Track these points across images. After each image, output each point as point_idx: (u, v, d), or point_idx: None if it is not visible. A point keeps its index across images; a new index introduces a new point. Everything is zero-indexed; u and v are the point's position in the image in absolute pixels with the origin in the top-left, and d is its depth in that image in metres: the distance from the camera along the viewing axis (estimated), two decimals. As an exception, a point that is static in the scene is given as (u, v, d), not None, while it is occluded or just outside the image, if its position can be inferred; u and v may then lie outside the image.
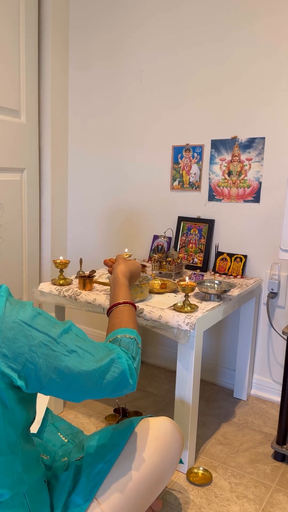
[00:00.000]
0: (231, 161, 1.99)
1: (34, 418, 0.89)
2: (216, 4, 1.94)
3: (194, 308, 1.46)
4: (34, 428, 1.24)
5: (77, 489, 0.96)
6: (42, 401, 1.35)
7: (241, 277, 1.95)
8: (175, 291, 1.70)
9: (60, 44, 2.40)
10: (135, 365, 0.94)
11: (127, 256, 1.66)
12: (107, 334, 1.04)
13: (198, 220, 2.11)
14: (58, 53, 2.39)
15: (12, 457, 0.82)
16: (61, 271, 1.74)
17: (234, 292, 1.69)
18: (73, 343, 0.83)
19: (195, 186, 2.11)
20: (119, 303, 1.10)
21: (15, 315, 0.76)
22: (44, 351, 0.78)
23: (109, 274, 1.35)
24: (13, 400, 0.78)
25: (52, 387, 0.81)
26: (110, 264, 1.35)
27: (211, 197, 2.07)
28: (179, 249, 2.14)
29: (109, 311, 1.12)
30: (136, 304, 1.13)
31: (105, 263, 1.37)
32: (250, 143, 1.93)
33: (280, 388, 2.00)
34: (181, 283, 1.47)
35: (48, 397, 1.54)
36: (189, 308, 1.45)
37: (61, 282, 1.72)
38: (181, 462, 1.39)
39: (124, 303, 1.10)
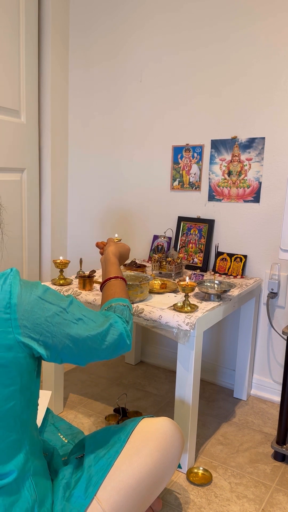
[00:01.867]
0: (231, 161, 1.99)
1: (37, 404, 0.96)
2: (216, 5, 1.94)
3: (194, 308, 1.46)
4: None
5: (79, 485, 0.97)
6: (42, 401, 1.35)
7: (241, 277, 1.95)
8: (175, 291, 1.70)
9: (60, 44, 2.40)
10: (129, 328, 1.05)
11: (117, 240, 1.71)
12: (101, 304, 1.15)
13: (198, 220, 2.11)
14: (58, 53, 2.39)
15: (22, 436, 0.88)
16: (61, 271, 1.74)
17: (234, 292, 1.69)
18: (79, 312, 0.94)
19: (195, 186, 2.11)
20: (111, 278, 1.23)
21: (29, 291, 0.86)
22: (58, 320, 0.88)
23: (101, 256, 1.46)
24: (29, 371, 0.86)
25: (66, 352, 0.91)
26: (101, 246, 1.45)
27: (211, 197, 2.07)
28: (179, 249, 2.14)
29: (102, 286, 1.24)
30: (130, 300, 1.27)
31: (97, 245, 1.47)
32: (250, 143, 1.93)
33: (280, 388, 2.00)
34: (181, 283, 1.47)
35: (48, 397, 1.54)
36: (189, 308, 1.45)
37: (61, 282, 1.72)
38: (179, 467, 1.40)
39: (115, 277, 1.23)
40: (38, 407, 1.30)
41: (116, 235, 1.92)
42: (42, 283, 0.92)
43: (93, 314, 0.98)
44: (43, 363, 1.76)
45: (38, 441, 0.96)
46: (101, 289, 1.24)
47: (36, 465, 0.92)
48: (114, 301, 1.11)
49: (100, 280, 1.80)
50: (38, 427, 1.26)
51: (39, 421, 1.28)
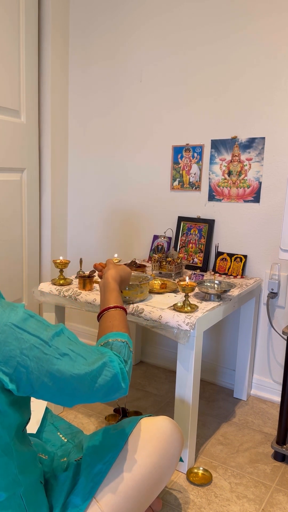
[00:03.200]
0: (231, 161, 1.99)
1: (28, 419, 0.88)
2: (215, 5, 1.94)
3: (194, 308, 1.46)
4: (33, 428, 1.24)
5: (76, 489, 0.96)
6: (42, 401, 1.35)
7: (241, 277, 1.95)
8: (175, 291, 1.70)
9: (60, 44, 2.40)
10: (127, 369, 0.93)
11: (116, 261, 1.65)
12: (98, 338, 1.03)
13: (198, 220, 2.11)
14: (58, 53, 2.39)
15: (6, 459, 0.82)
16: (61, 271, 1.74)
17: (234, 292, 1.69)
18: (65, 346, 0.83)
19: (195, 186, 2.11)
20: (110, 307, 1.10)
21: (6, 318, 0.76)
22: (36, 354, 0.77)
23: (98, 278, 1.33)
24: (5, 402, 0.78)
25: (44, 391, 0.80)
26: (100, 269, 1.34)
27: (211, 197, 2.07)
28: (179, 249, 2.14)
29: (99, 316, 1.11)
30: (126, 308, 1.14)
31: (95, 267, 1.36)
32: (250, 143, 1.93)
33: (280, 388, 2.00)
34: (181, 283, 1.47)
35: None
36: (189, 308, 1.45)
37: (61, 282, 1.72)
38: (181, 460, 1.39)
39: (115, 307, 1.10)
40: (38, 406, 1.30)
41: (116, 255, 1.89)
42: (26, 307, 0.78)
43: (84, 349, 0.87)
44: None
45: (29, 453, 0.90)
46: (98, 319, 1.11)
47: (28, 480, 0.87)
48: (112, 336, 0.99)
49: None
50: (37, 427, 1.26)
51: (38, 421, 1.27)
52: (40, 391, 0.80)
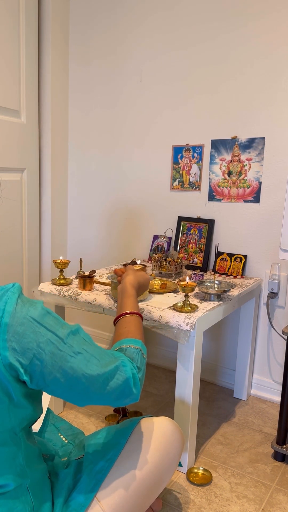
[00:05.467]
0: (231, 161, 1.99)
1: (39, 417, 0.90)
2: (215, 3, 1.94)
3: (194, 308, 1.46)
4: (35, 428, 1.24)
5: (78, 487, 0.96)
6: (43, 401, 1.35)
7: (241, 277, 1.95)
8: (175, 291, 1.70)
9: (60, 43, 2.40)
10: (140, 375, 0.93)
11: (138, 268, 1.63)
12: (112, 343, 1.03)
13: (198, 220, 2.11)
14: (58, 53, 2.39)
15: (15, 449, 0.84)
16: (61, 271, 1.74)
17: (234, 292, 1.69)
18: (79, 346, 0.84)
19: (195, 186, 2.11)
20: (126, 313, 1.10)
21: (25, 312, 0.79)
22: (51, 349, 0.79)
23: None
24: (20, 393, 0.80)
25: (56, 386, 0.82)
26: (120, 274, 1.34)
27: (211, 197, 2.07)
28: (179, 249, 2.14)
29: (116, 321, 1.11)
30: (142, 314, 1.13)
31: (116, 272, 1.36)
32: (250, 143, 1.93)
33: (280, 388, 2.00)
34: (181, 283, 1.47)
35: (49, 397, 1.54)
36: (189, 308, 1.45)
37: (61, 282, 1.72)
38: (180, 465, 1.39)
39: (131, 313, 1.10)
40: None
41: (139, 262, 1.85)
42: (44, 304, 0.82)
43: (98, 351, 0.88)
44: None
45: (35, 449, 0.92)
46: (114, 323, 1.11)
47: (34, 474, 0.89)
48: (126, 342, 0.99)
49: (100, 280, 1.80)
50: (39, 427, 1.26)
51: (39, 421, 1.28)
52: (52, 385, 0.81)
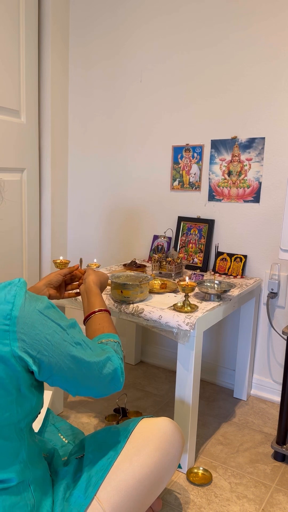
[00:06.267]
0: (231, 161, 1.99)
1: (39, 412, 0.93)
2: (215, 5, 1.94)
3: (194, 308, 1.46)
4: (35, 428, 1.24)
5: (78, 485, 0.97)
6: (44, 401, 1.35)
7: (241, 277, 1.95)
8: (175, 291, 1.70)
9: (60, 44, 2.40)
10: (123, 365, 1.01)
11: (96, 266, 1.67)
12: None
13: (198, 220, 2.11)
14: (58, 53, 2.39)
15: (19, 444, 0.86)
16: (61, 271, 1.74)
17: (234, 292, 1.69)
18: (78, 337, 0.91)
19: (195, 186, 2.11)
20: (96, 311, 1.15)
21: (34, 305, 0.83)
22: (57, 339, 0.85)
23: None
24: (27, 384, 0.83)
25: (59, 376, 0.86)
26: (80, 276, 1.38)
27: (211, 197, 2.07)
28: (179, 249, 2.14)
29: (86, 319, 1.15)
30: (109, 310, 1.20)
31: (75, 274, 1.38)
32: (250, 143, 1.93)
33: (280, 388, 2.00)
34: (181, 283, 1.47)
35: (49, 397, 1.54)
36: (189, 308, 1.45)
37: (61, 282, 1.72)
38: (179, 467, 1.39)
39: (100, 310, 1.15)
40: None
41: (95, 260, 1.86)
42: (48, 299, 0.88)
43: (92, 343, 0.95)
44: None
45: (36, 446, 0.94)
46: (84, 322, 1.16)
47: (35, 471, 0.91)
48: (105, 337, 1.06)
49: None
50: (39, 427, 1.26)
51: (39, 421, 1.28)
52: (56, 375, 0.86)
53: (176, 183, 2.17)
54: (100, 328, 1.10)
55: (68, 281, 1.38)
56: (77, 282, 1.38)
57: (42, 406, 0.92)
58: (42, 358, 0.82)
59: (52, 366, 0.84)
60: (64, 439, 1.23)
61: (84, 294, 1.25)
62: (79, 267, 1.40)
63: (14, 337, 0.79)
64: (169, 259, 1.91)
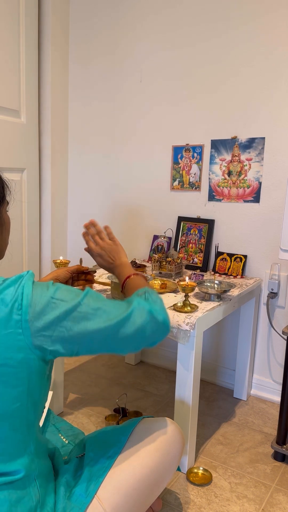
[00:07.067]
0: (231, 161, 1.99)
1: (44, 407, 0.95)
2: (216, 2, 1.94)
3: (194, 308, 1.46)
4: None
5: (80, 483, 0.97)
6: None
7: (241, 277, 1.95)
8: (175, 291, 1.70)
9: (60, 44, 2.40)
10: (159, 307, 0.96)
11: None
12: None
13: (198, 220, 2.11)
14: (58, 53, 2.39)
15: (28, 437, 0.88)
16: (61, 271, 1.74)
17: (234, 292, 1.69)
18: (95, 303, 0.88)
19: (195, 186, 2.11)
20: (132, 275, 1.17)
21: (40, 292, 0.85)
22: (73, 315, 0.84)
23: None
24: (39, 374, 0.85)
25: (90, 344, 0.86)
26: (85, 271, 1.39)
27: (211, 197, 2.07)
28: (179, 249, 2.14)
29: (122, 287, 1.18)
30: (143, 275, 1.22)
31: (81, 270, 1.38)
32: (250, 143, 1.93)
33: (280, 388, 2.00)
34: (181, 283, 1.47)
35: (49, 397, 1.54)
36: (189, 308, 1.45)
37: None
38: (178, 469, 1.39)
39: (135, 274, 1.18)
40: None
41: (61, 258, 1.82)
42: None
43: (112, 302, 0.93)
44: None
45: (43, 442, 0.97)
46: (122, 290, 1.18)
47: (41, 466, 0.92)
48: (141, 290, 1.04)
49: (100, 280, 1.79)
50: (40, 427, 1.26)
51: (41, 422, 1.28)
52: (85, 346, 0.86)
53: (176, 183, 2.17)
54: (136, 286, 1.11)
55: (75, 278, 1.39)
56: (84, 279, 1.39)
57: (46, 400, 0.94)
58: (61, 334, 0.83)
59: (73, 339, 0.85)
60: (64, 440, 1.23)
61: (108, 267, 1.28)
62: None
63: (26, 325, 0.81)
64: (169, 259, 1.91)
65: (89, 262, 2.51)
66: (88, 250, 1.37)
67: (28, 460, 0.88)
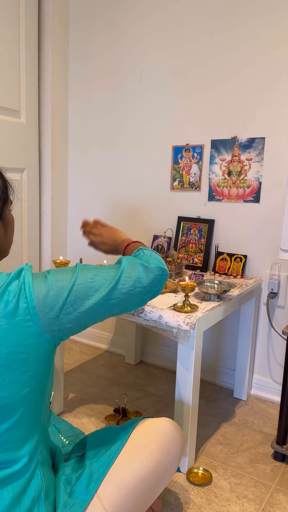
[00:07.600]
0: (231, 161, 1.99)
1: (50, 395, 0.97)
2: (215, 3, 1.94)
3: (194, 308, 1.46)
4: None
5: (80, 481, 0.97)
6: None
7: (241, 277, 1.95)
8: (175, 291, 1.70)
9: (60, 43, 2.39)
10: (149, 256, 1.03)
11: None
12: None
13: (198, 220, 2.11)
14: (58, 53, 2.39)
15: (34, 424, 0.91)
16: (61, 271, 1.74)
17: (234, 292, 1.69)
18: (90, 271, 0.94)
19: (195, 186, 2.11)
20: (131, 242, 1.23)
21: (41, 280, 0.89)
22: (75, 289, 0.89)
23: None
24: (48, 358, 0.89)
25: (99, 311, 0.92)
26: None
27: (211, 197, 2.07)
28: (179, 249, 2.14)
29: (124, 252, 1.23)
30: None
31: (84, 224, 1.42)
32: (250, 143, 1.93)
33: (280, 388, 2.00)
34: (181, 283, 1.47)
35: (49, 397, 1.53)
36: (189, 308, 1.45)
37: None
38: (178, 470, 1.39)
39: (135, 242, 1.24)
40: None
41: (61, 258, 1.84)
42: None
43: (106, 267, 0.99)
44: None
45: (47, 432, 0.99)
46: (123, 253, 1.24)
47: (44, 455, 0.94)
48: (136, 252, 1.11)
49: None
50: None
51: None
52: (93, 313, 0.91)
53: (176, 183, 2.17)
54: (135, 249, 1.16)
55: None
56: None
57: (52, 387, 0.97)
58: (66, 310, 0.87)
59: (80, 321, 0.90)
60: (64, 440, 1.24)
61: (107, 241, 1.31)
62: None
63: (34, 312, 0.85)
64: (169, 259, 1.91)
65: (89, 262, 2.51)
66: (91, 243, 1.38)
67: (33, 446, 0.90)
